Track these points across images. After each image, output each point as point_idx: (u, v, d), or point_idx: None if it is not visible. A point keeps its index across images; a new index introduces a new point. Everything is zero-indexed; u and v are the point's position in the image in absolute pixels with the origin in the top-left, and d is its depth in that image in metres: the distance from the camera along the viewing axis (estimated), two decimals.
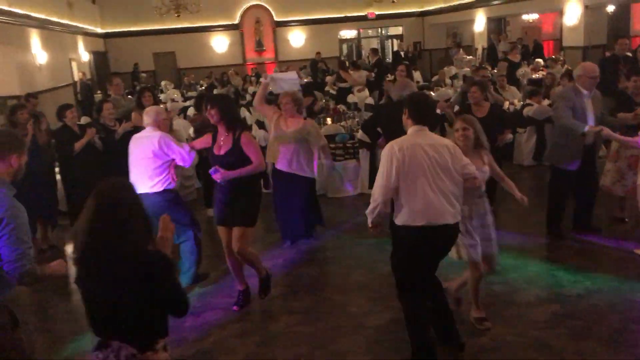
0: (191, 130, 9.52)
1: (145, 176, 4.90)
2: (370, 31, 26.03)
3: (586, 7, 15.21)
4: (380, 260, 5.72)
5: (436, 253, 3.80)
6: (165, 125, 5.21)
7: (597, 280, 4.97)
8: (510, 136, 6.30)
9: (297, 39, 23.80)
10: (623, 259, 5.37)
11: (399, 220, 3.68)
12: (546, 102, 9.22)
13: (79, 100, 17.25)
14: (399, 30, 25.27)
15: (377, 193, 3.68)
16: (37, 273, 2.82)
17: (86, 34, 19.39)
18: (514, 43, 13.72)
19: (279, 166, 6.08)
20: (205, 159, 7.31)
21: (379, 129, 6.63)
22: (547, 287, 4.97)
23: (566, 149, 5.66)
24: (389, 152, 3.64)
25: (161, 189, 4.97)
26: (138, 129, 6.95)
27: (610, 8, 17.46)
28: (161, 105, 13.35)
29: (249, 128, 4.87)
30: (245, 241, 4.75)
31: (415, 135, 3.73)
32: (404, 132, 4.41)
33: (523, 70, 14.17)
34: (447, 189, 3.60)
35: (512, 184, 4.30)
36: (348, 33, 25.42)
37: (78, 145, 6.53)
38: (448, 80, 14.95)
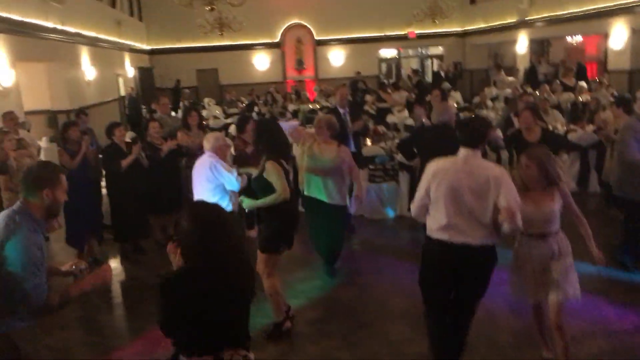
0: (232, 149, 9.70)
1: (204, 197, 5.09)
2: (410, 50, 26.06)
3: (633, 30, 14.92)
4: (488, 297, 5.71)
5: (454, 272, 3.76)
6: (223, 152, 5.46)
7: None
8: (565, 157, 6.25)
9: (337, 57, 23.99)
10: None
11: (427, 229, 3.84)
12: (591, 127, 9.06)
13: (127, 114, 17.77)
14: (439, 49, 25.21)
15: (412, 208, 3.96)
16: (54, 303, 2.82)
17: (133, 50, 19.95)
18: (569, 68, 12.94)
19: (307, 192, 6.07)
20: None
21: (415, 150, 6.67)
22: (594, 321, 4.85)
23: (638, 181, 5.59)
24: (426, 171, 3.84)
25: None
26: (182, 147, 7.17)
27: None
28: (203, 122, 13.68)
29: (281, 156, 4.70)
30: (261, 267, 4.72)
31: (459, 160, 3.75)
32: (440, 155, 4.49)
33: (567, 95, 13.94)
34: (478, 213, 3.61)
35: (589, 233, 4.04)
36: (388, 52, 25.49)
37: (125, 162, 6.71)
38: (489, 102, 14.82)
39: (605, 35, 16.39)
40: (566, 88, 13.06)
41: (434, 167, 3.79)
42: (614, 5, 14.86)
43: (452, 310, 3.89)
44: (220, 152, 5.39)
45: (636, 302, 5.13)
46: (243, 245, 2.63)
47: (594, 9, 15.44)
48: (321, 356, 4.53)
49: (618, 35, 15.41)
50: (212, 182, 5.23)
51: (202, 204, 2.68)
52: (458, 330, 3.93)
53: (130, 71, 19.56)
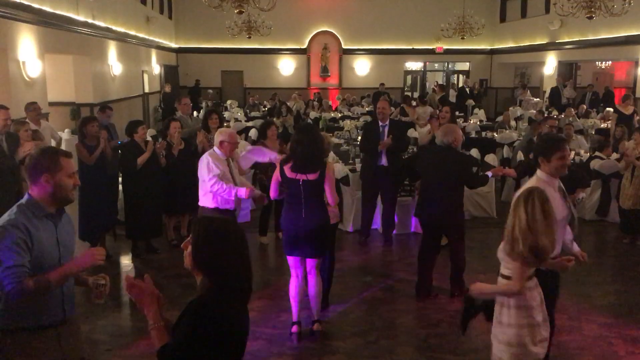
0: None
1: (201, 191, 5.49)
2: (436, 65, 25.96)
3: None
4: (429, 307, 5.64)
5: None
6: (225, 148, 5.40)
7: None
8: (582, 195, 5.95)
9: (362, 67, 23.96)
10: None
11: None
12: (615, 155, 8.90)
13: (162, 109, 17.98)
14: (465, 65, 25.07)
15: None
16: (28, 288, 2.64)
17: (160, 47, 20.12)
18: (629, 97, 12.09)
19: None
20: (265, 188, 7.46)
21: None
22: (603, 356, 4.73)
23: None
24: None
25: (212, 205, 5.37)
26: (189, 146, 7.24)
27: None
28: (225, 125, 13.71)
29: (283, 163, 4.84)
30: None
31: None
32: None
33: (592, 121, 13.73)
34: None
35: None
36: (413, 65, 25.42)
37: (140, 160, 6.72)
38: (513, 122, 14.66)
39: (636, 62, 16.17)
40: (622, 117, 11.55)
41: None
42: None
43: None
44: (222, 147, 5.38)
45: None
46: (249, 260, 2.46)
47: (625, 35, 15.23)
48: None
49: None
50: (201, 177, 5.37)
51: (206, 220, 2.47)
52: None
53: (156, 68, 19.73)
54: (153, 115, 18.93)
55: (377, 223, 7.94)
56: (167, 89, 19.19)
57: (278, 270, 6.82)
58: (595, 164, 8.75)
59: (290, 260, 4.91)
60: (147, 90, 18.32)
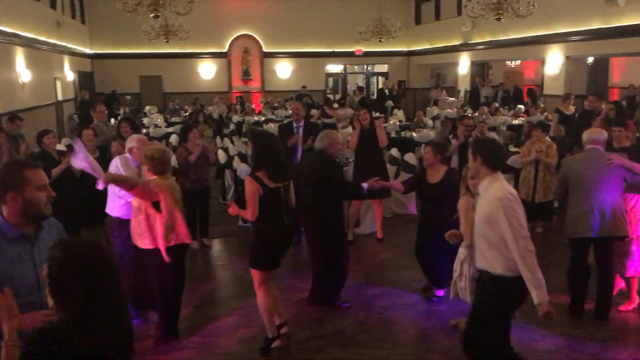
0: (173, 159, 9.51)
1: (108, 197, 5.49)
2: (356, 67, 26.39)
3: (567, 58, 15.62)
4: (356, 305, 5.72)
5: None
6: (135, 155, 5.30)
7: (569, 337, 5.00)
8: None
9: (284, 70, 24.02)
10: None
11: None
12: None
13: (79, 117, 17.22)
14: (384, 67, 25.65)
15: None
16: None
17: (73, 53, 19.34)
18: (569, 95, 12.45)
19: None
20: (186, 191, 7.36)
21: None
22: (519, 342, 4.93)
23: None
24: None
25: (116, 214, 5.38)
26: (104, 155, 7.02)
27: (590, 59, 17.96)
28: (144, 131, 13.37)
29: (254, 170, 4.65)
30: (254, 281, 4.74)
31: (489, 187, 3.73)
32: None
33: (503, 118, 14.40)
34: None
35: None
36: (334, 67, 25.74)
37: (55, 171, 6.45)
38: (430, 122, 15.15)
39: (542, 61, 17.10)
40: (563, 117, 11.49)
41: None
42: (550, 34, 15.52)
43: None
44: (132, 154, 5.31)
45: (560, 322, 5.25)
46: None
47: (532, 36, 16.07)
48: None
49: (554, 61, 16.11)
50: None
51: (67, 244, 2.14)
52: None
53: (69, 75, 18.94)
54: (68, 123, 18.17)
55: None
56: (85, 96, 18.49)
57: (205, 277, 6.73)
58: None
59: (267, 274, 4.68)
60: (60, 98, 17.54)
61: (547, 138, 8.06)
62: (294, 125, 7.51)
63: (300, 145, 7.41)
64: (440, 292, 5.74)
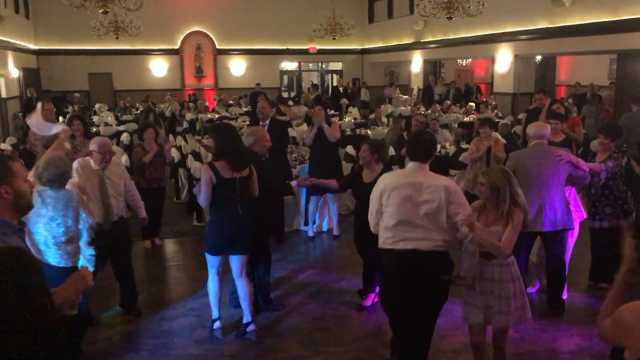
0: (124, 158, 9.31)
1: None
2: (311, 65, 26.42)
3: (516, 56, 16.03)
4: (312, 303, 5.73)
5: (406, 281, 3.71)
6: (95, 158, 5.08)
7: (519, 328, 5.10)
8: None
9: (237, 67, 23.82)
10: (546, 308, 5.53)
11: (380, 242, 3.85)
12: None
13: (23, 116, 16.55)
14: (339, 65, 25.76)
15: (371, 225, 3.96)
16: None
17: (17, 49, 18.65)
18: (556, 103, 12.28)
19: None
20: (141, 190, 7.21)
21: None
22: (538, 340, 4.93)
23: None
24: (376, 187, 3.93)
25: None
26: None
27: (538, 58, 18.50)
28: (93, 129, 13.02)
29: (214, 159, 4.79)
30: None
31: (407, 172, 3.86)
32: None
33: (455, 115, 14.66)
34: (427, 223, 3.68)
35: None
36: (289, 65, 25.69)
37: None
38: (384, 119, 15.29)
39: (493, 60, 17.50)
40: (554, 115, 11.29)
41: (381, 184, 3.88)
42: (500, 33, 15.90)
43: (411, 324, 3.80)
44: (93, 157, 5.10)
45: (579, 321, 5.24)
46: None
47: (482, 35, 16.42)
48: None
49: (503, 60, 16.52)
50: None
51: None
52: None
53: (14, 72, 18.27)
54: (13, 122, 17.54)
55: None
56: (30, 93, 17.87)
57: (158, 278, 6.61)
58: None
59: (214, 260, 4.88)
60: (4, 95, 16.91)
61: (496, 134, 8.22)
62: (261, 123, 7.41)
63: None
64: (368, 302, 5.55)
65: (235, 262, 4.86)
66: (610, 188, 5.71)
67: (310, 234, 7.96)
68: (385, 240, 3.79)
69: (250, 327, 4.98)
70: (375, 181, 5.23)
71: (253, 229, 4.86)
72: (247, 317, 4.98)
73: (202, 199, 4.71)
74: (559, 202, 5.20)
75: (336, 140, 7.84)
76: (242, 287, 4.92)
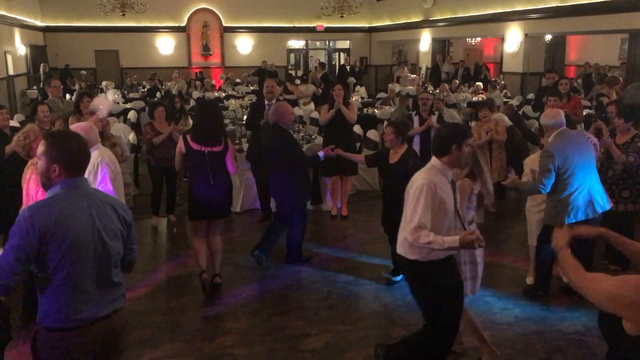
0: (131, 136, 9.31)
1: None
2: (318, 43, 26.22)
3: (526, 36, 15.85)
4: (319, 281, 5.76)
5: None
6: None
7: (526, 308, 5.14)
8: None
9: (244, 45, 23.67)
10: (552, 289, 5.54)
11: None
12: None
13: (42, 90, 16.49)
14: (346, 44, 25.55)
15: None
16: None
17: (24, 26, 18.59)
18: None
19: None
20: (152, 168, 7.28)
21: None
22: (479, 314, 5.05)
23: None
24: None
25: None
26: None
27: (548, 37, 18.27)
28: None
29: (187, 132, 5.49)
30: None
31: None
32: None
33: (463, 95, 14.54)
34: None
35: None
36: (296, 43, 25.50)
37: (9, 148, 6.20)
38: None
39: (502, 39, 17.30)
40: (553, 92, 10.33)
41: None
42: (510, 11, 15.69)
43: None
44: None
45: (517, 294, 5.42)
46: None
47: (492, 13, 16.22)
48: (216, 354, 4.44)
49: (513, 39, 16.32)
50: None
51: None
52: None
53: (21, 49, 18.24)
54: (20, 99, 17.56)
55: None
56: (46, 68, 17.91)
57: (170, 258, 6.66)
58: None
59: (197, 223, 5.41)
60: (11, 72, 16.90)
61: (494, 116, 7.97)
62: (266, 103, 7.35)
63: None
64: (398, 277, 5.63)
65: (211, 223, 5.45)
66: (630, 172, 5.67)
67: (334, 212, 7.97)
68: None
69: (218, 279, 5.50)
70: (400, 161, 5.34)
71: (227, 197, 5.44)
72: (215, 270, 5.56)
73: (176, 166, 5.51)
74: (599, 184, 5.06)
75: (353, 121, 7.74)
76: (215, 244, 5.51)
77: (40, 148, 2.68)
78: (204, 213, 5.33)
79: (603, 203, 5.02)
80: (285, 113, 5.80)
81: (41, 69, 18.14)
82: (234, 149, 5.43)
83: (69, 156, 2.66)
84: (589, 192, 4.94)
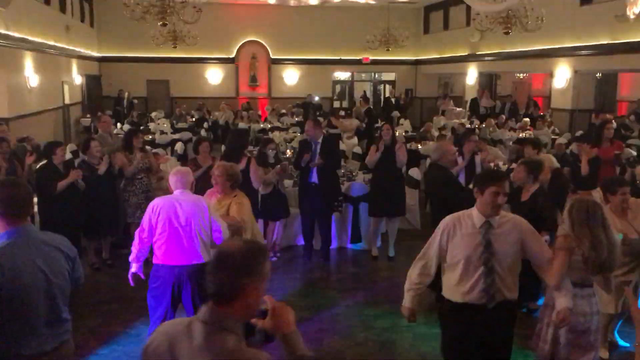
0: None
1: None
2: (363, 75, 26.38)
3: (575, 72, 15.55)
4: (356, 326, 5.69)
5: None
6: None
7: None
8: (546, 237, 5.18)
9: (291, 76, 24.03)
10: None
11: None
12: None
13: (133, 120, 17.06)
14: (391, 76, 25.63)
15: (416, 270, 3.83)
16: None
17: (81, 57, 19.41)
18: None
19: None
20: None
21: None
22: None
23: None
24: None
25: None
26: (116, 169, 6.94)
27: (599, 73, 17.88)
28: (149, 137, 13.37)
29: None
30: None
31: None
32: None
33: (509, 134, 14.27)
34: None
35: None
36: (342, 75, 25.73)
37: (61, 185, 6.43)
38: (435, 132, 15.05)
39: (551, 74, 17.02)
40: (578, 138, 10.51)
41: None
42: (558, 47, 15.46)
43: None
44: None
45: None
46: None
47: (540, 49, 16.01)
48: None
49: (561, 75, 16.05)
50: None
51: None
52: None
53: (77, 78, 19.01)
54: (75, 127, 18.24)
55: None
56: (122, 94, 20.04)
57: None
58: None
59: None
60: (67, 101, 17.60)
61: (541, 156, 7.72)
62: (312, 142, 7.29)
63: (314, 162, 7.15)
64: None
65: None
66: None
67: (375, 253, 7.80)
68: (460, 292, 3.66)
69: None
70: (530, 200, 5.31)
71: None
72: None
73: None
74: None
75: (403, 164, 7.52)
76: None
77: None
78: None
79: None
80: (447, 152, 5.99)
81: (126, 95, 20.23)
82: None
83: (5, 204, 2.76)
84: None
